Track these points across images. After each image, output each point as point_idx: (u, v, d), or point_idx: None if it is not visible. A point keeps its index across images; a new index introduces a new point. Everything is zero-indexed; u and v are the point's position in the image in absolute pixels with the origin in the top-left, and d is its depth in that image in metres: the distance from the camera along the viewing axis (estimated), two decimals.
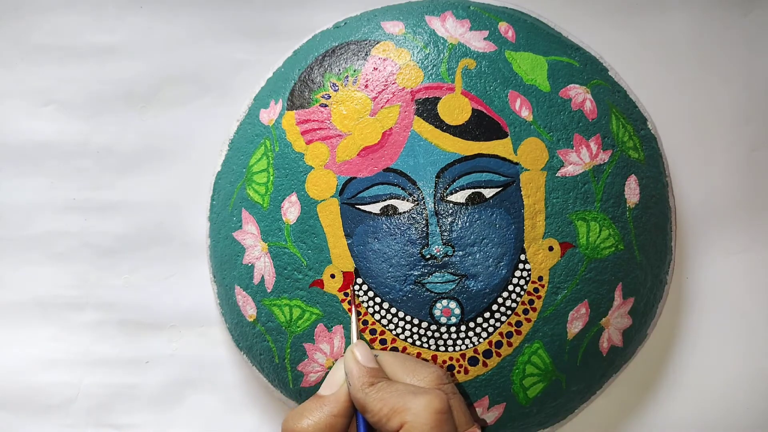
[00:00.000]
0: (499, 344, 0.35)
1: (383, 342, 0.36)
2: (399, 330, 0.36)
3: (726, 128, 0.43)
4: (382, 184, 0.36)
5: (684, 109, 0.43)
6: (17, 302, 0.43)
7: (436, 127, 0.36)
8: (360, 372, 0.32)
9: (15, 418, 0.42)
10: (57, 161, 0.44)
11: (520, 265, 0.36)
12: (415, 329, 0.36)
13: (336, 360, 0.36)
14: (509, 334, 0.36)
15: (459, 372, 0.36)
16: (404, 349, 0.36)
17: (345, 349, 0.35)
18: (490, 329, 0.35)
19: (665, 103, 0.42)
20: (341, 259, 0.36)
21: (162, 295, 0.43)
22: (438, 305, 0.35)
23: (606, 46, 0.41)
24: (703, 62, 0.43)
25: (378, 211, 0.36)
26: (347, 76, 0.38)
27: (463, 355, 0.36)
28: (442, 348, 0.36)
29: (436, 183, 0.36)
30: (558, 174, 0.36)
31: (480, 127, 0.36)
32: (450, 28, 0.38)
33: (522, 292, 0.36)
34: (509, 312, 0.35)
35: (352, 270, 0.36)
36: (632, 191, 0.37)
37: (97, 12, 0.44)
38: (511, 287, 0.35)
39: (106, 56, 0.44)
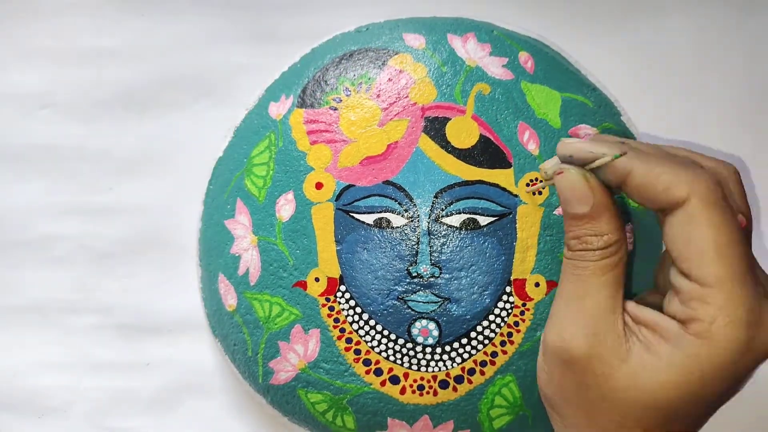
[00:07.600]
0: (471, 371, 0.35)
1: (357, 352, 0.36)
2: (375, 342, 0.36)
3: (724, 134, 0.43)
4: (380, 195, 0.36)
5: (681, 114, 0.43)
6: (15, 306, 0.43)
7: (441, 147, 0.36)
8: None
9: (13, 422, 0.42)
10: (54, 165, 0.44)
11: (504, 297, 0.36)
12: (390, 344, 0.36)
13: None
14: (483, 363, 0.35)
15: (428, 393, 0.36)
16: (377, 362, 0.36)
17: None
18: (465, 355, 0.35)
19: (662, 108, 0.43)
20: (328, 263, 0.36)
21: (160, 299, 0.43)
22: (417, 324, 0.35)
23: (598, 52, 0.42)
24: (701, 68, 0.43)
25: (371, 222, 0.36)
26: (361, 83, 0.38)
27: (434, 377, 0.36)
28: (414, 367, 0.36)
29: (433, 203, 0.36)
30: (555, 212, 0.36)
31: (485, 153, 0.36)
32: (470, 50, 0.38)
33: (502, 324, 0.36)
34: (486, 341, 0.35)
35: (338, 276, 0.36)
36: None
37: (97, 15, 0.44)
38: (492, 317, 0.35)
39: (105, 60, 0.44)
